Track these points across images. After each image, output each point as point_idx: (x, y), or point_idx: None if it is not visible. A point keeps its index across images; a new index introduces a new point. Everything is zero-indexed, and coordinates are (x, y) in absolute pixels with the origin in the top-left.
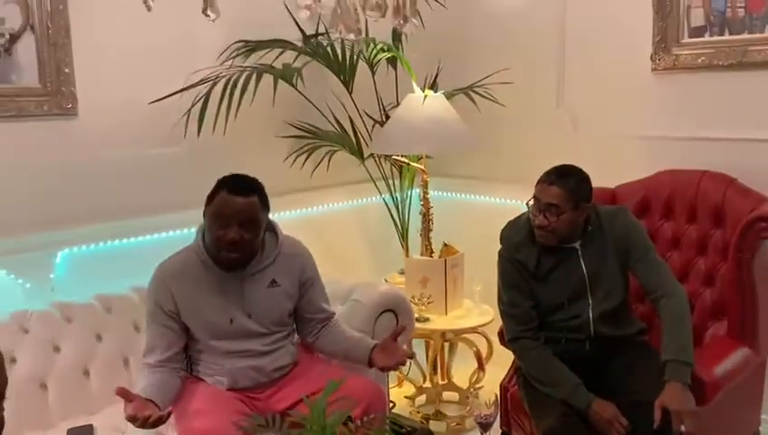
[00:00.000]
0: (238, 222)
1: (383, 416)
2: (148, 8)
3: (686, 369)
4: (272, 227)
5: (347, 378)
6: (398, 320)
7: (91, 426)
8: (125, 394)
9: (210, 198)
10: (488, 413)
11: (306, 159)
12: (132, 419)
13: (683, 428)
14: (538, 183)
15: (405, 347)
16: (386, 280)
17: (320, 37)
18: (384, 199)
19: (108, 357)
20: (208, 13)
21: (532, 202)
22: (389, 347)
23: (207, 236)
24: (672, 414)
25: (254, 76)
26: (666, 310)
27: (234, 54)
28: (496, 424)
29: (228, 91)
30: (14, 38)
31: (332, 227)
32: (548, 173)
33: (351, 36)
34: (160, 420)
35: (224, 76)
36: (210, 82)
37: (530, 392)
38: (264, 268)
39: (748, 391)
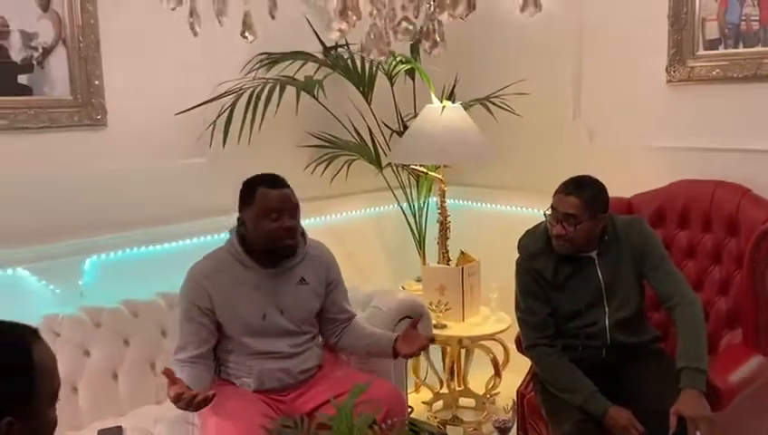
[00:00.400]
0: (287, 211)
1: (403, 420)
2: (195, 34)
3: (702, 376)
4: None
5: (372, 382)
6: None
7: (120, 427)
8: (170, 374)
9: (247, 198)
10: (506, 418)
11: (326, 167)
12: (177, 398)
13: (698, 434)
14: (556, 193)
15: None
16: (403, 287)
17: (339, 49)
18: (401, 208)
19: (135, 361)
20: (246, 35)
21: (549, 212)
22: (410, 335)
23: (256, 236)
24: (687, 421)
25: (277, 88)
26: (681, 318)
27: (257, 66)
28: (513, 429)
29: (253, 102)
30: (47, 52)
31: (350, 234)
32: (566, 184)
33: (382, 59)
34: (206, 401)
35: (248, 88)
36: (235, 94)
37: (547, 399)
38: (293, 266)
39: (763, 398)
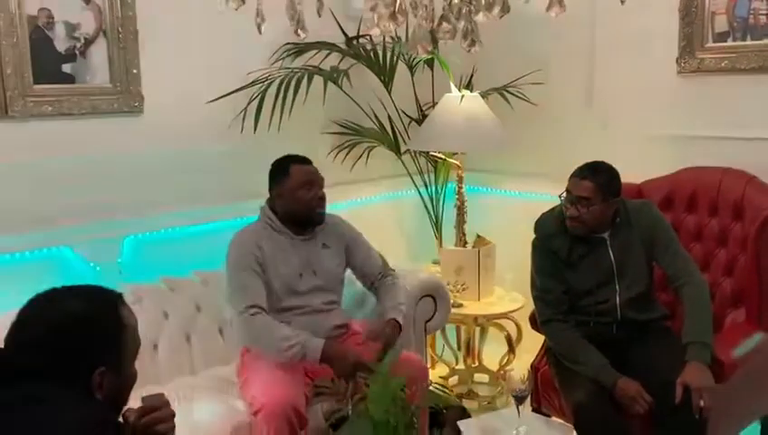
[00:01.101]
0: (318, 183)
1: (426, 386)
2: (260, 31)
3: (706, 350)
4: None
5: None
6: (436, 304)
7: (161, 394)
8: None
9: (282, 174)
10: (522, 388)
11: (347, 154)
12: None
13: (702, 403)
14: (571, 177)
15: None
16: None
17: (361, 39)
18: (420, 193)
19: (173, 333)
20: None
21: (564, 195)
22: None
23: (292, 205)
24: (692, 391)
25: (305, 78)
26: (687, 296)
27: (283, 56)
28: (528, 400)
29: (282, 91)
30: (89, 42)
31: (370, 218)
32: (581, 168)
33: (424, 55)
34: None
35: (277, 77)
36: (265, 83)
37: (560, 371)
38: (317, 234)
39: (764, 370)
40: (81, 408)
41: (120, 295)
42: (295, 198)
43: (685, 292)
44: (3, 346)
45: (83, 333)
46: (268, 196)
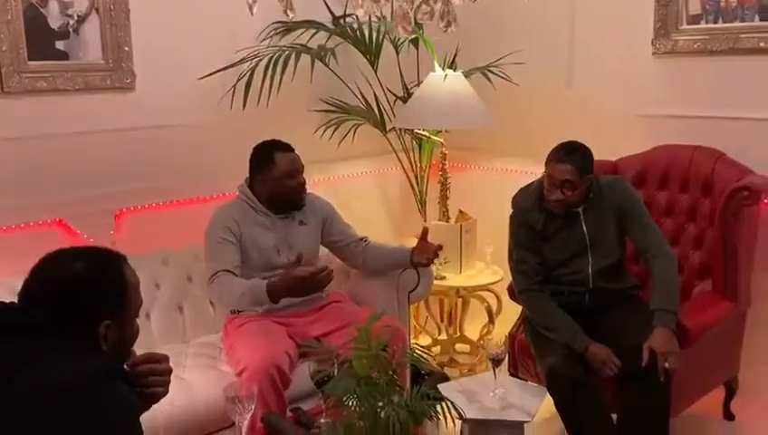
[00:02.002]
0: (301, 171)
1: (404, 348)
2: (252, 12)
3: (672, 316)
4: None
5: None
6: (419, 275)
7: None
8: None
9: (266, 161)
10: (499, 351)
11: (334, 131)
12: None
13: (667, 366)
14: (549, 162)
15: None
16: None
17: (348, 18)
18: (404, 170)
19: (165, 303)
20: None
21: (545, 180)
22: (423, 247)
23: (276, 191)
24: (658, 355)
25: (293, 56)
26: (656, 267)
27: (271, 34)
28: (505, 364)
29: (270, 68)
30: (82, 19)
31: (356, 194)
32: (557, 152)
33: (405, 35)
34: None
35: (265, 55)
36: (254, 60)
37: (535, 338)
38: (294, 213)
39: (728, 338)
40: (91, 357)
41: (123, 256)
42: (281, 186)
43: (654, 263)
44: (16, 301)
45: (90, 288)
46: (248, 176)
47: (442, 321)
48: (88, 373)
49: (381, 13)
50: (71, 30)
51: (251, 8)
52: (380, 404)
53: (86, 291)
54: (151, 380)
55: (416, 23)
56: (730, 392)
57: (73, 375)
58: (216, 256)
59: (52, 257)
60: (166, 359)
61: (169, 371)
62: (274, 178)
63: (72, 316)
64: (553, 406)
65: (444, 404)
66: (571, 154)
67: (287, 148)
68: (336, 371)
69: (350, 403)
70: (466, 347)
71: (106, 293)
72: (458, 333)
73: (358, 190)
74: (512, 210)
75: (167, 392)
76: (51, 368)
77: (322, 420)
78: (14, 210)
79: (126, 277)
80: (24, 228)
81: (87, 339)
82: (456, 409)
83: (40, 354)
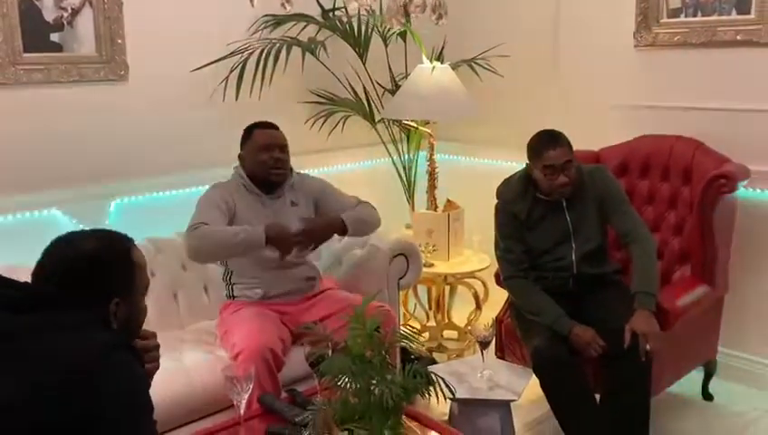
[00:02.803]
0: (278, 146)
1: (394, 329)
2: (252, 4)
3: (652, 299)
4: None
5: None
6: (408, 263)
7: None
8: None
9: (245, 139)
10: (486, 334)
11: (324, 122)
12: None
13: (648, 346)
14: (541, 153)
15: None
16: None
17: (336, 12)
18: (393, 160)
19: (161, 291)
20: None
21: (546, 171)
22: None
23: (253, 167)
24: (639, 336)
25: (284, 49)
26: (636, 252)
27: (262, 27)
28: (492, 346)
29: (263, 61)
30: (76, 12)
31: (345, 184)
32: (544, 141)
33: (398, 28)
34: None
35: (257, 48)
36: (247, 53)
37: (521, 322)
38: (285, 193)
39: (706, 321)
40: (103, 332)
41: (130, 238)
42: (255, 160)
43: (633, 248)
44: (30, 280)
45: (99, 267)
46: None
47: (430, 308)
48: (101, 345)
49: (371, 6)
50: (65, 22)
51: (251, 1)
52: (374, 382)
53: (96, 269)
54: (147, 356)
55: (406, 15)
56: (708, 374)
57: (88, 346)
58: (203, 213)
59: (65, 238)
60: (154, 335)
61: (158, 346)
62: (249, 152)
63: (83, 293)
64: (539, 388)
65: (435, 382)
66: (558, 138)
67: (269, 125)
68: (330, 353)
69: (345, 382)
70: (454, 333)
71: (115, 271)
72: (446, 320)
73: (347, 180)
74: (496, 201)
75: (158, 367)
76: (66, 339)
77: (317, 399)
78: (8, 201)
79: (133, 257)
80: (18, 219)
81: (98, 316)
82: (447, 386)
83: (55, 327)
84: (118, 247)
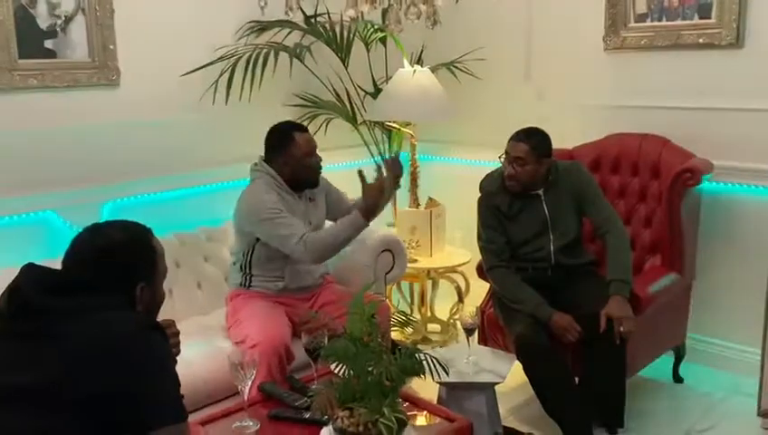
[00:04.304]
0: (316, 148)
1: (388, 318)
2: (263, 13)
3: (626, 286)
4: None
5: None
6: (394, 258)
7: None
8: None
9: (287, 142)
10: (472, 321)
11: (307, 125)
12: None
13: (622, 329)
14: (509, 140)
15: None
16: None
17: (319, 18)
18: (375, 161)
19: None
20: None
21: (503, 156)
22: (367, 188)
23: (297, 170)
24: (614, 320)
25: (271, 54)
26: (610, 242)
27: (247, 33)
28: (476, 335)
29: (251, 66)
30: (69, 19)
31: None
32: (517, 133)
33: (396, 32)
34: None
35: (244, 53)
36: (234, 57)
37: (503, 310)
38: (304, 191)
39: (676, 307)
40: (133, 313)
41: (150, 229)
42: (303, 165)
43: (608, 239)
44: (62, 266)
45: (125, 253)
46: (264, 157)
47: (413, 302)
48: (135, 324)
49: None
50: (58, 29)
51: (262, 9)
52: (372, 364)
53: (122, 255)
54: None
55: (386, 20)
56: (678, 357)
57: (121, 325)
58: (287, 225)
59: (92, 229)
60: (173, 323)
61: (178, 333)
62: (296, 157)
63: (111, 278)
64: (523, 374)
65: (430, 361)
66: (529, 136)
67: (304, 128)
68: (326, 340)
69: (343, 366)
70: (437, 327)
71: (139, 257)
72: (430, 314)
73: (331, 181)
74: (480, 194)
75: (179, 353)
76: (101, 319)
77: (315, 385)
78: (3, 203)
79: (154, 245)
80: (13, 221)
81: (126, 299)
82: (440, 364)
83: (91, 308)
84: (141, 236)
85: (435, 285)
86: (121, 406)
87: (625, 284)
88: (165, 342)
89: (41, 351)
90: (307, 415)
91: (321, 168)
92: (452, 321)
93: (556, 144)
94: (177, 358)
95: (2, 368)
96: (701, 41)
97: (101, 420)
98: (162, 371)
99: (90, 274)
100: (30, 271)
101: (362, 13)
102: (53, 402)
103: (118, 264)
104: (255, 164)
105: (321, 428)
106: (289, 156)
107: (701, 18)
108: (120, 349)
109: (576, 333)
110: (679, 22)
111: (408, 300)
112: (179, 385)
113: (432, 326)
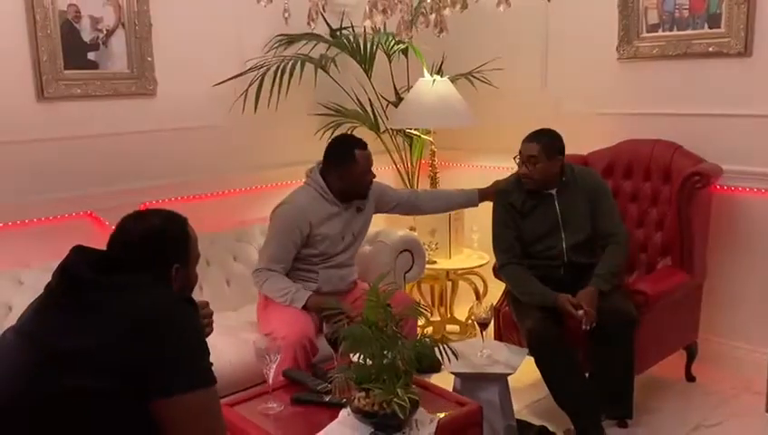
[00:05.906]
0: (372, 165)
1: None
2: (286, 22)
3: (604, 283)
4: None
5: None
6: (413, 258)
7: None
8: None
9: (347, 157)
10: (485, 316)
11: (332, 133)
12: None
13: (580, 313)
14: (522, 142)
15: None
16: None
17: (343, 31)
18: (397, 167)
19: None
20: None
21: (518, 158)
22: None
23: (352, 185)
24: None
25: (298, 65)
26: (608, 250)
27: (275, 46)
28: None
29: (278, 76)
30: (110, 33)
31: None
32: (529, 134)
33: (406, 38)
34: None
35: (272, 64)
36: (264, 69)
37: (516, 306)
38: (353, 201)
39: (686, 306)
40: (169, 289)
41: (185, 217)
42: (360, 181)
43: (608, 248)
44: (107, 248)
45: (163, 237)
46: (320, 165)
47: (433, 304)
48: (174, 298)
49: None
50: (100, 42)
51: (286, 20)
52: (387, 348)
53: (161, 239)
54: (204, 321)
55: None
56: (690, 356)
57: (163, 298)
58: (273, 255)
59: (134, 216)
60: (207, 304)
61: (211, 313)
62: (354, 175)
63: (150, 259)
64: (537, 372)
65: (442, 348)
66: (539, 135)
67: (364, 145)
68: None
69: (360, 350)
70: (456, 327)
71: (175, 241)
72: (449, 315)
73: None
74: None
75: (212, 331)
76: (144, 294)
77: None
78: (49, 203)
79: (189, 231)
80: (58, 220)
81: (163, 278)
82: (452, 351)
83: (134, 285)
84: (178, 223)
85: (454, 286)
86: (157, 371)
87: (604, 280)
88: (196, 315)
89: (88, 320)
90: (328, 398)
91: (372, 182)
92: (470, 321)
93: (571, 150)
94: (208, 339)
95: (53, 335)
96: (711, 50)
97: (137, 385)
98: (197, 338)
99: (132, 254)
100: (79, 251)
101: (377, 23)
102: (98, 366)
103: (157, 246)
104: (310, 170)
105: (341, 410)
106: (347, 172)
107: (711, 28)
108: (160, 318)
109: (582, 312)
110: (690, 31)
111: (430, 301)
112: (209, 354)
113: (451, 327)
